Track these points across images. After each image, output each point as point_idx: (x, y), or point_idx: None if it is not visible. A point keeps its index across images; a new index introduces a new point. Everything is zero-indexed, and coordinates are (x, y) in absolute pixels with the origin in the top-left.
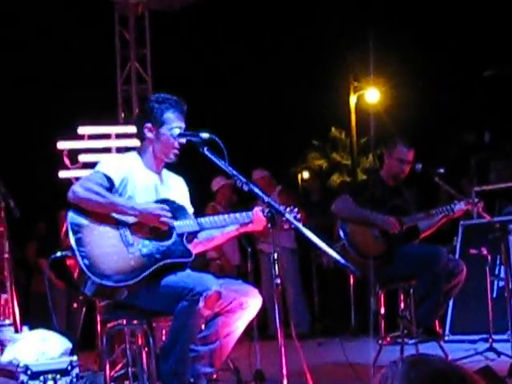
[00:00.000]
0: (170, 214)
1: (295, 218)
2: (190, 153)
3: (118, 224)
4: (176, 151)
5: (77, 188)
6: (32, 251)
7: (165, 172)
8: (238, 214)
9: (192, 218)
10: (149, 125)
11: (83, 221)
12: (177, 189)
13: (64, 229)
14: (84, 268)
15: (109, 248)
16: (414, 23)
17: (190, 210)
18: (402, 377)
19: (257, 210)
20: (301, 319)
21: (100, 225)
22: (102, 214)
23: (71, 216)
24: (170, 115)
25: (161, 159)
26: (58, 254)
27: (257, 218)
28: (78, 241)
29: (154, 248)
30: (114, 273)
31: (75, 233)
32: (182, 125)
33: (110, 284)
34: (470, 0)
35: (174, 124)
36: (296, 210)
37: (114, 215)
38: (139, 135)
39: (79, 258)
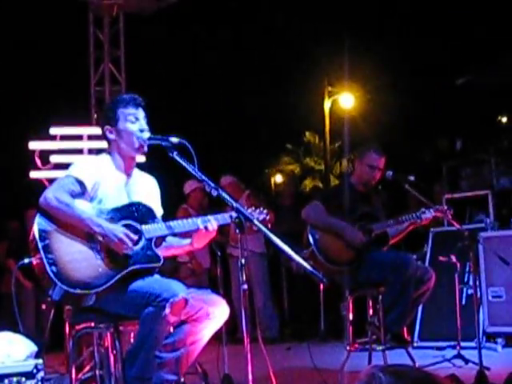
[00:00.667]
0: (131, 242)
1: (264, 218)
2: (161, 155)
3: (86, 230)
4: (139, 142)
5: (49, 195)
6: (2, 251)
7: (136, 172)
8: (199, 218)
9: (161, 222)
10: (108, 126)
11: (51, 226)
12: (147, 190)
13: (31, 233)
14: (51, 275)
15: (77, 254)
16: (388, 29)
17: (160, 211)
18: None
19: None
20: (270, 323)
21: (68, 231)
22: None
23: (39, 222)
24: (122, 110)
25: (129, 157)
26: (26, 260)
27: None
28: (46, 247)
29: (122, 255)
30: (81, 280)
31: (43, 239)
32: (138, 112)
33: (78, 292)
34: (444, 8)
35: (127, 113)
36: (265, 210)
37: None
38: (106, 140)
39: (47, 266)
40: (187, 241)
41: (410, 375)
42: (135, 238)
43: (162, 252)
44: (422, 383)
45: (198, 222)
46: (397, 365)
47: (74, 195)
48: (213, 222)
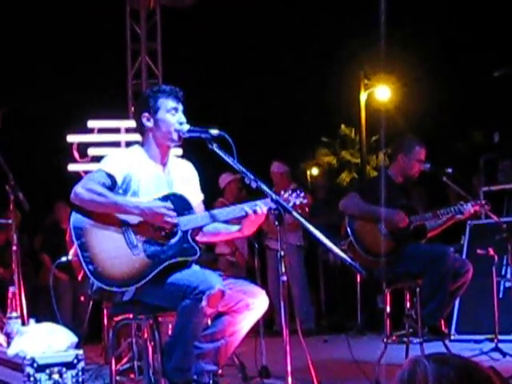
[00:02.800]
0: (174, 213)
1: (301, 202)
2: (199, 149)
3: (121, 225)
4: (177, 133)
5: (79, 190)
6: (38, 244)
7: (172, 159)
8: (245, 204)
9: (202, 212)
10: (146, 114)
11: (86, 224)
12: (184, 176)
13: (68, 232)
14: (89, 274)
15: (113, 251)
16: (426, 21)
17: (200, 196)
18: (435, 375)
19: (260, 204)
20: (306, 316)
21: (103, 227)
22: (105, 216)
23: (74, 219)
24: (163, 100)
25: (164, 146)
26: (63, 258)
27: (260, 210)
28: (82, 246)
29: (158, 248)
30: (119, 277)
31: (78, 237)
32: (178, 106)
33: (115, 290)
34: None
35: (169, 106)
36: (302, 194)
37: (118, 216)
38: (139, 128)
39: (83, 264)
40: (235, 227)
41: (454, 362)
42: (172, 209)
43: (209, 238)
44: (466, 370)
45: (245, 207)
46: (440, 353)
47: (106, 187)
48: (261, 206)
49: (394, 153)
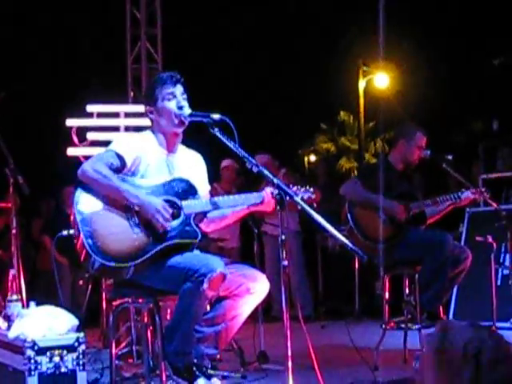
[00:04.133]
0: (168, 216)
1: (309, 197)
2: (200, 134)
3: (125, 204)
4: (178, 118)
5: (87, 167)
6: (37, 228)
7: (181, 149)
8: (249, 195)
9: (203, 198)
10: (148, 107)
11: (89, 199)
12: (191, 166)
13: (71, 208)
14: (87, 247)
15: (114, 228)
16: (424, 9)
17: (207, 187)
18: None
19: (267, 190)
20: (304, 301)
21: (106, 204)
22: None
23: (78, 194)
24: (159, 89)
25: (171, 134)
26: (65, 232)
27: (267, 198)
28: (83, 221)
29: (160, 228)
30: (118, 253)
31: (81, 212)
32: (174, 90)
33: (114, 265)
34: None
35: (165, 92)
36: (311, 189)
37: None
38: (150, 120)
39: (83, 238)
40: (243, 206)
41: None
42: (170, 210)
43: (216, 224)
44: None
45: (252, 198)
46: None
47: (113, 169)
48: (267, 190)
49: (394, 138)
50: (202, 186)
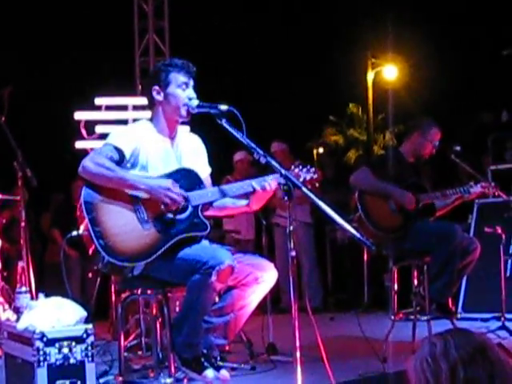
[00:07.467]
0: (180, 198)
1: (312, 177)
2: (208, 126)
3: (132, 200)
4: (186, 108)
5: (87, 163)
6: (47, 221)
7: (179, 133)
8: (254, 180)
9: (210, 187)
10: (156, 87)
11: (97, 198)
12: (193, 149)
13: (79, 206)
14: (100, 248)
15: (124, 226)
16: (434, 1)
17: (207, 169)
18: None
19: (269, 180)
20: (314, 293)
21: (114, 202)
22: (116, 191)
23: (85, 194)
24: (175, 75)
25: (173, 121)
26: (74, 233)
27: (269, 186)
28: (93, 220)
29: (169, 223)
30: (129, 252)
31: (89, 212)
32: (189, 81)
33: (126, 264)
34: None
35: (180, 81)
36: (312, 169)
37: (127, 191)
38: (149, 101)
39: (94, 239)
40: (243, 202)
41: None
42: (181, 192)
43: (215, 212)
44: (481, 346)
45: (253, 183)
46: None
47: (113, 162)
48: (270, 182)
49: (409, 130)
50: (204, 168)
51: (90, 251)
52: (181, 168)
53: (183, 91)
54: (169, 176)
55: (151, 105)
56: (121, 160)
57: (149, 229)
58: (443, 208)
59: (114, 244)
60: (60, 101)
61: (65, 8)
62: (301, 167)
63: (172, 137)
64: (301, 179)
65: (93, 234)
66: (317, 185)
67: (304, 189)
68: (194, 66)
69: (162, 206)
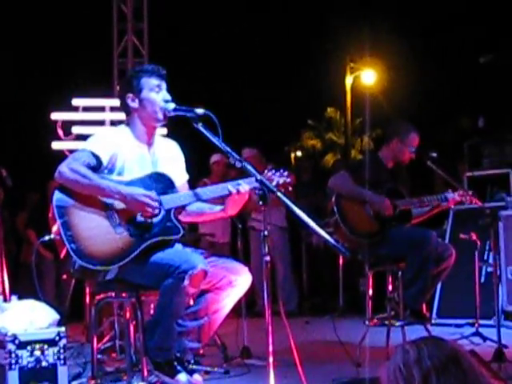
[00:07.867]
0: (156, 204)
1: (284, 181)
2: (185, 129)
3: (105, 204)
4: (162, 111)
5: (63, 169)
6: (22, 221)
7: (157, 139)
8: (229, 183)
9: (185, 191)
10: (130, 94)
11: (69, 202)
12: (170, 155)
13: (51, 211)
14: (71, 252)
15: (96, 229)
16: (411, 6)
17: (185, 176)
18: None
19: (243, 184)
20: (289, 297)
21: (86, 206)
22: (89, 195)
23: (57, 198)
24: (146, 79)
25: (150, 126)
26: (47, 237)
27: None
28: (64, 224)
29: (141, 227)
30: (102, 256)
31: (61, 216)
32: (162, 84)
33: (98, 268)
34: None
35: (152, 84)
36: (285, 173)
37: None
38: (125, 109)
39: (66, 243)
40: (220, 207)
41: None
42: (156, 198)
43: (193, 218)
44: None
45: (228, 186)
46: (432, 336)
47: (90, 168)
48: (244, 185)
49: (388, 136)
50: (181, 175)
51: (62, 255)
52: (153, 172)
53: (157, 94)
54: (141, 179)
55: (127, 112)
56: (98, 166)
57: (121, 233)
58: (420, 216)
59: (86, 248)
60: (36, 101)
61: (44, 8)
62: (274, 171)
63: (149, 143)
64: (274, 183)
65: (65, 238)
66: (290, 188)
67: (278, 193)
68: (164, 69)
69: (137, 212)
